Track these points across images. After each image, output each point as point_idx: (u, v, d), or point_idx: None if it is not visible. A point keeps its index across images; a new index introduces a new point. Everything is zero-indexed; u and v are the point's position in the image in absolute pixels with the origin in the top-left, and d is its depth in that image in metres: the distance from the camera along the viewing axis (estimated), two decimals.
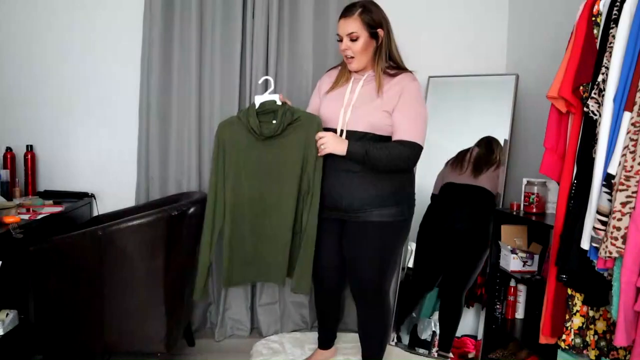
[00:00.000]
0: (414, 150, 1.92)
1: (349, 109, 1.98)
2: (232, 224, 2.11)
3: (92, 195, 2.79)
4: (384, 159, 1.90)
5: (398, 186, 2.00)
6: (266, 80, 2.36)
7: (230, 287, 2.63)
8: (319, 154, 1.97)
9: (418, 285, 2.68)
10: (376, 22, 1.95)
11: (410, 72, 2.02)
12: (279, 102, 2.02)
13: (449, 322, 2.57)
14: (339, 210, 2.02)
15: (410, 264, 2.73)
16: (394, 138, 1.95)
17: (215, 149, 2.09)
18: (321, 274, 2.17)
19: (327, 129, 2.01)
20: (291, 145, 2.01)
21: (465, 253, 2.58)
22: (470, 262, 2.56)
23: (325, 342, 2.37)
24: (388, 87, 1.96)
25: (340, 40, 1.98)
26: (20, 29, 2.74)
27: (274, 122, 2.00)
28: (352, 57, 1.97)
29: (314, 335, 2.51)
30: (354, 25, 1.93)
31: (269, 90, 2.05)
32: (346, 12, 1.97)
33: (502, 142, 2.66)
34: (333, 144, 1.92)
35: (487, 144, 2.69)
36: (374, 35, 1.96)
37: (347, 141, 1.92)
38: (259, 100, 2.04)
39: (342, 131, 1.98)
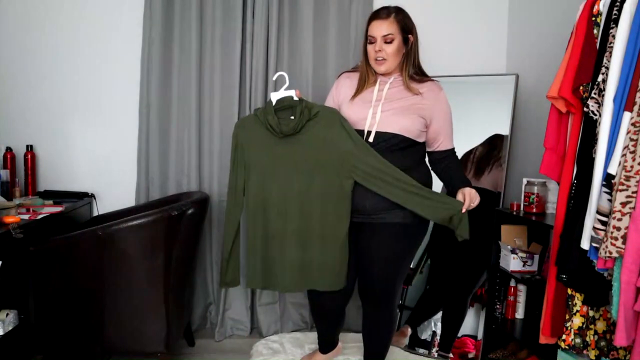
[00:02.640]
0: (455, 153, 2.08)
1: (377, 109, 1.95)
2: (254, 225, 2.02)
3: (92, 195, 2.79)
4: None
5: None
6: (276, 79, 2.29)
7: (254, 288, 2.46)
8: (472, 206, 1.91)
9: (435, 290, 2.67)
10: (409, 27, 1.96)
11: (434, 80, 2.03)
12: (296, 98, 1.97)
13: (452, 323, 2.57)
14: (360, 213, 1.98)
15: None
16: (435, 147, 2.02)
17: (233, 150, 2.04)
18: (322, 298, 2.09)
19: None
20: (317, 142, 1.95)
21: (471, 256, 2.57)
22: (477, 265, 2.55)
23: (326, 347, 2.34)
24: (421, 92, 1.97)
25: (371, 42, 1.96)
26: (20, 29, 2.74)
27: (292, 118, 1.94)
28: (384, 60, 1.94)
29: (314, 335, 2.50)
30: (390, 27, 1.92)
31: (284, 86, 1.99)
32: (381, 14, 1.94)
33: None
34: (477, 196, 1.91)
35: (492, 142, 2.69)
36: (405, 40, 1.96)
37: (469, 187, 1.93)
38: (275, 96, 1.98)
39: (369, 132, 1.95)
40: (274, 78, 2.17)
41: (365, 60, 2.01)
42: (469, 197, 1.89)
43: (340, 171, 1.94)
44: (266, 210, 2.00)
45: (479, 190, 2.63)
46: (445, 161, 2.03)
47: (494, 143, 2.69)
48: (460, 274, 2.61)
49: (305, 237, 1.98)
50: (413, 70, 2.00)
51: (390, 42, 1.93)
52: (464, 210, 1.87)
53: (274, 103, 1.97)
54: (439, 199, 1.94)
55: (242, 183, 2.03)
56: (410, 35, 1.97)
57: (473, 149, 2.70)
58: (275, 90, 2.66)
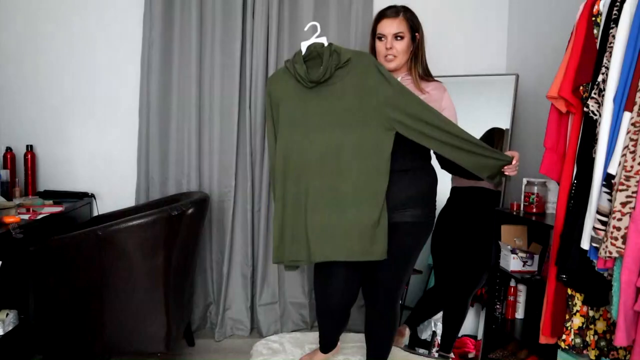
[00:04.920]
0: None
1: None
2: (283, 188, 1.89)
3: (92, 195, 2.79)
4: None
5: (427, 187, 2.00)
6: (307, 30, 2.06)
7: (281, 264, 2.06)
8: (513, 174, 1.85)
9: (436, 291, 2.68)
10: (416, 26, 2.00)
11: (439, 81, 2.04)
12: (325, 44, 1.86)
13: (453, 323, 2.57)
14: None
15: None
16: None
17: (267, 105, 1.94)
18: (330, 299, 2.09)
19: None
20: (351, 91, 1.82)
21: (473, 256, 2.57)
22: (478, 265, 2.55)
23: (327, 347, 2.34)
24: (427, 91, 1.98)
25: (380, 39, 1.97)
26: (21, 29, 2.74)
27: (322, 67, 1.83)
28: (394, 57, 1.96)
29: (314, 335, 2.51)
30: (400, 25, 1.96)
31: (315, 35, 1.88)
32: (391, 13, 1.97)
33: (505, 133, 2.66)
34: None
35: (490, 137, 2.69)
36: (413, 39, 1.99)
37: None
38: (304, 45, 1.87)
39: None
40: (306, 29, 2.01)
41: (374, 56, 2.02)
42: (517, 155, 1.84)
43: (378, 123, 1.81)
44: (298, 170, 1.87)
45: (479, 190, 2.65)
46: None
47: (492, 138, 2.69)
48: (462, 274, 2.61)
49: (341, 198, 1.83)
50: (421, 70, 2.01)
51: (401, 39, 1.96)
52: (514, 162, 1.82)
53: (303, 52, 1.88)
54: (490, 153, 1.82)
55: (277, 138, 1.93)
56: (417, 34, 2.00)
57: None
58: None
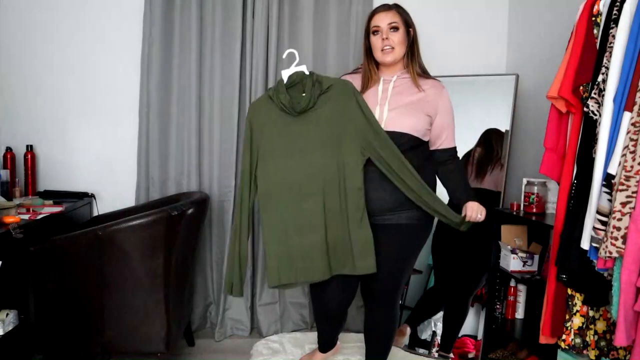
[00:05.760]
0: (457, 153, 2.06)
1: (384, 108, 1.95)
2: (272, 214, 1.93)
3: (92, 195, 2.79)
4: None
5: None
6: (288, 57, 2.10)
7: (279, 288, 2.13)
8: (478, 220, 1.89)
9: (437, 291, 2.68)
10: (409, 21, 2.01)
11: (436, 79, 2.04)
12: (306, 73, 1.94)
13: (454, 323, 2.57)
14: (368, 214, 1.96)
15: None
16: (437, 145, 2.00)
17: (247, 135, 1.98)
18: (326, 304, 2.09)
19: None
20: (333, 116, 1.91)
21: (473, 257, 2.57)
22: (479, 265, 2.55)
23: (326, 346, 2.34)
24: (424, 89, 1.98)
25: (376, 33, 1.98)
26: (20, 29, 2.74)
27: (303, 95, 1.91)
28: (391, 49, 1.96)
29: (314, 335, 2.50)
30: (394, 17, 1.97)
31: (295, 63, 1.95)
32: (383, 8, 2.00)
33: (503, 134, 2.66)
34: (482, 211, 1.89)
35: (487, 141, 2.68)
36: (407, 33, 2.00)
37: (473, 200, 1.92)
38: (286, 74, 1.95)
39: None
40: (284, 56, 2.09)
41: (368, 57, 2.02)
42: (474, 213, 1.87)
43: (354, 147, 1.91)
44: (287, 194, 1.92)
45: (480, 191, 2.64)
46: (448, 164, 2.01)
47: (491, 141, 2.68)
48: (462, 275, 2.61)
49: (330, 217, 1.91)
50: (419, 67, 2.01)
51: (397, 30, 1.96)
52: (469, 214, 1.86)
53: (285, 81, 1.94)
54: (439, 208, 1.90)
55: (255, 166, 1.97)
56: (411, 29, 2.00)
57: (471, 150, 2.70)
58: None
